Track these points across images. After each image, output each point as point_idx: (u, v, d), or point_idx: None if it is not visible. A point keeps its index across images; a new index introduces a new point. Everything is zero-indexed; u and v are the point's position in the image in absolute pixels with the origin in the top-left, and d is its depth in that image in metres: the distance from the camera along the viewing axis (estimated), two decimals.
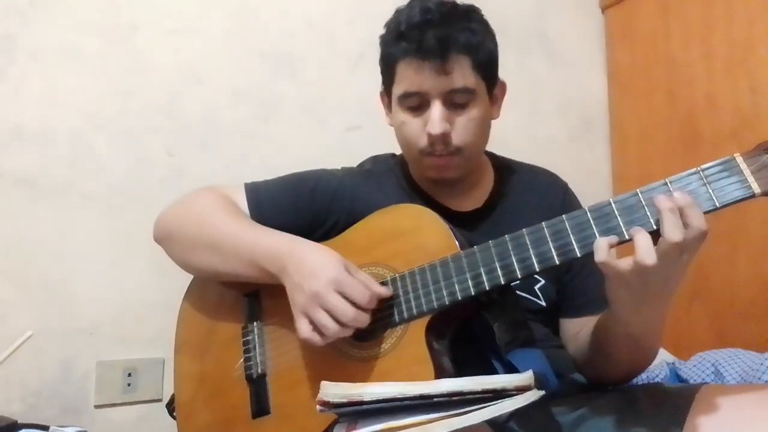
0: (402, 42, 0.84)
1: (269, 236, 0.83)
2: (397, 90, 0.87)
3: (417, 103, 0.86)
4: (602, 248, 0.64)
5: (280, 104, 1.44)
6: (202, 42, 1.39)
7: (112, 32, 1.32)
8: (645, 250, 0.61)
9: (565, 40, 1.77)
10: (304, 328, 0.75)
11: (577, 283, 0.91)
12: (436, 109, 0.84)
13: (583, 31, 1.80)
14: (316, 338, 0.74)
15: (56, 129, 1.26)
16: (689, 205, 0.61)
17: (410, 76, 0.84)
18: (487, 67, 0.87)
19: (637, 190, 0.66)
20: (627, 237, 0.65)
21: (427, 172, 0.91)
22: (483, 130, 0.89)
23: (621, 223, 0.66)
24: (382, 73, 0.91)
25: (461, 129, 0.85)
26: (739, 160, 0.63)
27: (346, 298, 0.73)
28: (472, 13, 0.87)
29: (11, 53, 1.24)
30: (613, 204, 0.67)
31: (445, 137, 0.84)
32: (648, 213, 0.64)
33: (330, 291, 0.73)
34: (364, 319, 0.74)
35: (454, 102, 0.85)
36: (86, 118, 1.28)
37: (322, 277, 0.73)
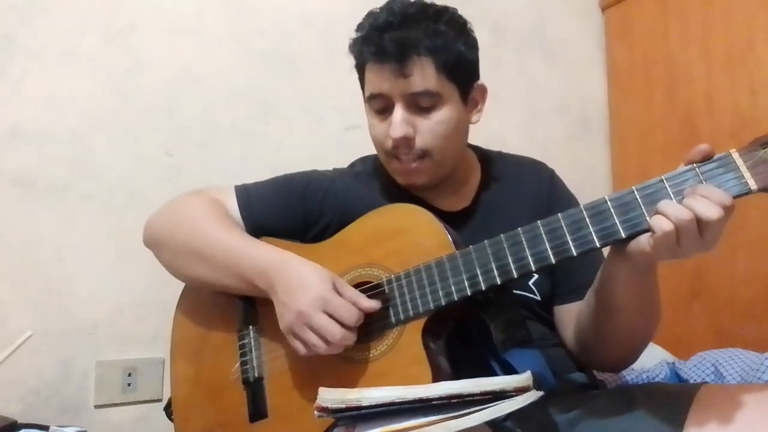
0: (364, 46, 0.85)
1: (258, 250, 0.82)
2: (365, 93, 0.88)
3: (382, 106, 0.86)
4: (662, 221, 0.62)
5: (279, 104, 1.44)
6: (200, 42, 1.39)
7: (111, 32, 1.32)
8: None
9: (564, 39, 1.77)
10: (298, 347, 0.76)
11: (569, 268, 0.90)
12: (397, 112, 0.83)
13: (583, 31, 1.80)
14: (309, 353, 0.75)
15: (55, 129, 1.26)
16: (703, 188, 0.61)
17: (373, 79, 0.85)
18: (456, 69, 0.84)
19: (633, 187, 0.65)
20: (624, 235, 0.65)
21: (395, 176, 0.91)
22: (453, 134, 0.87)
23: (617, 222, 0.65)
24: (358, 77, 0.92)
25: (426, 133, 0.84)
26: (735, 155, 0.62)
27: (333, 317, 0.72)
28: (443, 14, 0.86)
29: (11, 53, 1.24)
30: (609, 202, 0.66)
31: (407, 141, 0.84)
32: (644, 211, 0.64)
33: (316, 311, 0.72)
34: (351, 338, 0.74)
35: (419, 105, 0.84)
36: (85, 118, 1.28)
37: (308, 296, 0.73)
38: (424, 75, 0.82)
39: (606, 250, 0.73)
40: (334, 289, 0.74)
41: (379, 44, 0.82)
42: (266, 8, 1.45)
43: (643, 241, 0.65)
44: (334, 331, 0.72)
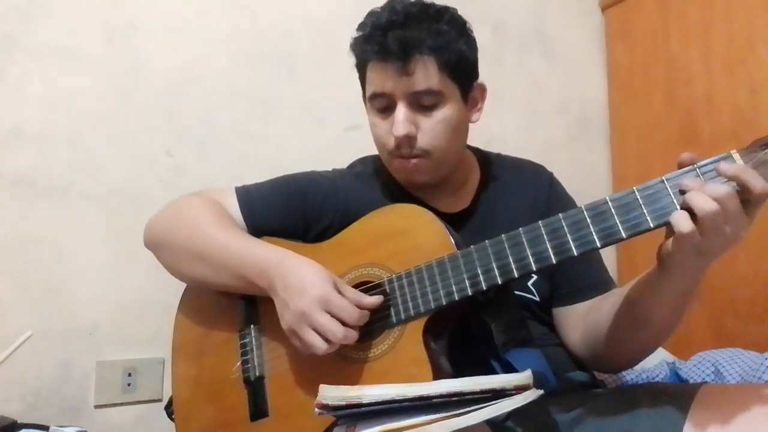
0: (367, 45, 0.85)
1: (258, 250, 0.82)
2: (367, 92, 0.88)
3: (384, 105, 0.86)
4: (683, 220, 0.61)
5: (279, 104, 1.44)
6: (201, 42, 1.39)
7: (111, 32, 1.32)
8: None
9: (564, 39, 1.77)
10: (299, 346, 0.76)
11: (570, 270, 0.90)
12: (400, 111, 0.83)
13: (583, 31, 1.80)
14: (311, 352, 0.75)
15: (55, 129, 1.26)
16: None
17: (375, 78, 0.85)
18: (457, 68, 0.85)
19: (634, 188, 0.65)
20: (624, 235, 0.65)
21: (396, 174, 0.91)
22: (454, 133, 0.87)
23: (618, 222, 0.65)
24: (358, 76, 0.92)
25: (428, 131, 0.85)
26: (736, 156, 0.62)
27: (334, 316, 0.73)
28: (444, 13, 0.86)
29: (11, 53, 1.24)
30: (609, 202, 0.66)
31: (409, 139, 0.84)
32: (645, 211, 0.64)
33: (317, 310, 0.72)
34: (353, 336, 0.74)
35: (421, 104, 0.84)
36: (85, 118, 1.28)
37: (309, 295, 0.73)
38: (426, 74, 0.82)
39: (610, 254, 0.73)
40: (335, 288, 0.74)
41: (382, 43, 0.82)
42: (266, 8, 1.45)
43: (669, 243, 0.64)
44: (336, 330, 0.72)
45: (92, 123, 1.29)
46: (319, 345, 0.73)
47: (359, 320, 0.74)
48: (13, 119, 1.23)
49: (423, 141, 0.85)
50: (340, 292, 0.75)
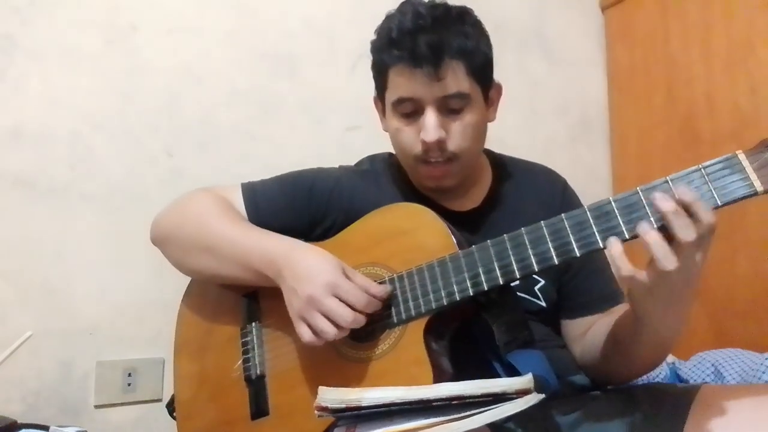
0: (394, 49, 0.83)
1: (266, 239, 0.83)
2: (391, 96, 0.86)
3: (411, 110, 0.85)
4: (621, 260, 0.63)
5: (280, 104, 1.44)
6: (201, 42, 1.39)
7: (111, 32, 1.32)
8: (664, 256, 0.60)
9: (564, 39, 1.77)
10: (304, 332, 0.75)
11: (578, 282, 0.90)
12: (430, 116, 0.82)
13: (583, 31, 1.80)
14: (316, 341, 0.74)
15: (55, 129, 1.26)
16: (694, 200, 0.60)
17: (403, 83, 0.83)
18: (482, 71, 0.85)
19: (638, 188, 0.65)
20: (627, 236, 0.65)
21: (423, 181, 0.90)
22: (479, 134, 0.87)
23: (621, 222, 0.65)
24: (375, 79, 0.90)
25: (457, 135, 0.84)
26: (741, 157, 0.62)
27: (343, 301, 0.72)
28: (466, 15, 0.85)
29: (11, 53, 1.24)
30: (613, 203, 0.66)
31: (440, 144, 0.83)
32: (648, 212, 0.64)
33: (326, 295, 0.72)
34: (361, 320, 0.74)
35: (449, 107, 0.83)
36: (85, 118, 1.28)
37: (318, 281, 0.73)
38: (456, 78, 0.82)
39: None
40: (344, 274, 0.74)
41: (412, 48, 0.80)
42: (267, 8, 1.45)
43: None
44: (345, 314, 0.72)
45: (92, 123, 1.29)
46: (328, 330, 0.72)
47: (367, 305, 0.73)
48: (13, 119, 1.23)
49: (452, 145, 0.84)
50: (349, 279, 0.75)
